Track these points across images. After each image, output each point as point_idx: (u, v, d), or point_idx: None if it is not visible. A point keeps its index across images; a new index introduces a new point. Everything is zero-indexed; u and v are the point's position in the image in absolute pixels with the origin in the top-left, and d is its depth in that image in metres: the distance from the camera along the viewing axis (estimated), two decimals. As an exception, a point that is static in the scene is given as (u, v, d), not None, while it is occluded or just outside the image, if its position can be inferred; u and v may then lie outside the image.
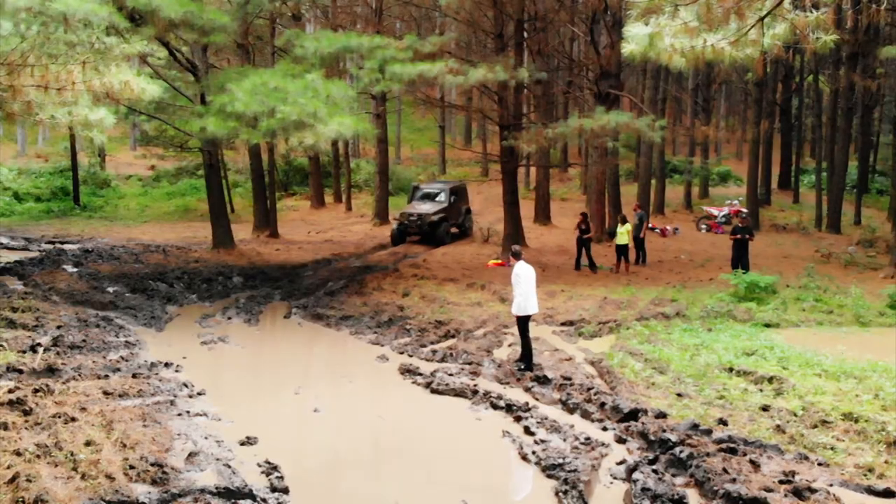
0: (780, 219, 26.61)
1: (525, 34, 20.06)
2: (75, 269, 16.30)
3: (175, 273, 16.00)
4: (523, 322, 9.17)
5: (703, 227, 24.72)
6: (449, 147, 37.36)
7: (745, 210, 23.28)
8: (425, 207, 20.77)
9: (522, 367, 9.07)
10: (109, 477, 5.64)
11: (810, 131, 37.23)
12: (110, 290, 14.38)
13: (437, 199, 21.45)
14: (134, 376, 8.53)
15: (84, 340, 10.11)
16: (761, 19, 6.03)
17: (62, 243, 21.31)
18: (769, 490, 5.40)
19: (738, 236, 16.14)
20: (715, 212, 25.32)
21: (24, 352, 9.40)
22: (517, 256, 9.28)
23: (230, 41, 17.56)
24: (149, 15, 12.19)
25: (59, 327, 10.84)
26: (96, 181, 33.30)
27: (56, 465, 5.84)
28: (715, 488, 5.42)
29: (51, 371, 8.58)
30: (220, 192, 20.36)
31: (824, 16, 6.32)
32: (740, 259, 16.01)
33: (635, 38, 6.64)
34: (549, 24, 21.10)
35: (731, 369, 8.84)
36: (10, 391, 7.52)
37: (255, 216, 24.34)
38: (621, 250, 17.23)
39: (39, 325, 10.98)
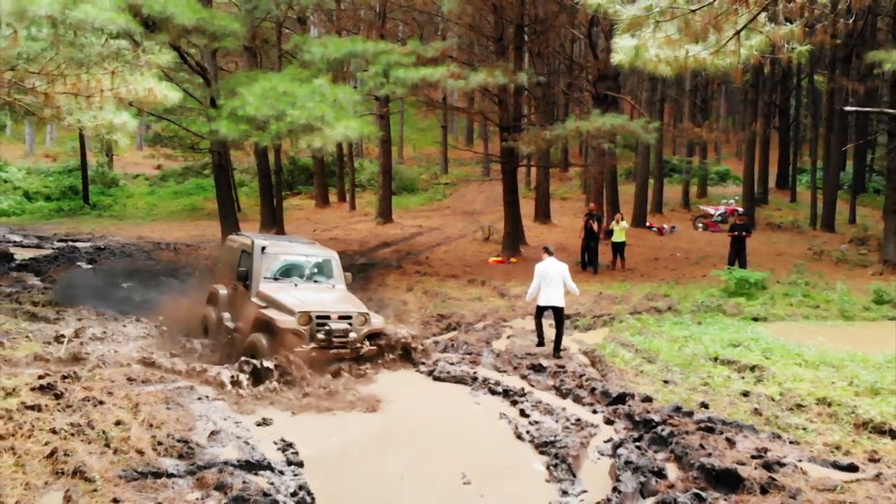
0: (776, 218, 27.10)
1: (525, 37, 20.57)
2: (89, 266, 16.88)
3: (186, 269, 16.55)
4: (536, 311, 10.41)
5: (700, 225, 25.24)
6: (451, 147, 37.96)
7: (741, 209, 23.79)
8: None
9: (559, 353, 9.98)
10: (140, 452, 6.15)
11: (808, 131, 37.69)
12: (124, 285, 14.94)
13: None
14: (155, 364, 9.06)
15: (104, 332, 10.65)
16: (737, 33, 6.55)
17: (74, 241, 21.89)
18: (741, 464, 5.90)
19: (736, 233, 16.69)
20: (711, 210, 25.85)
21: (49, 343, 9.94)
22: (546, 252, 10.49)
23: (239, 45, 18.11)
24: (163, 22, 12.73)
25: (79, 320, 11.40)
26: (104, 180, 33.97)
27: (90, 442, 6.34)
28: (692, 462, 5.92)
29: (76, 360, 9.10)
30: (229, 191, 20.91)
31: (797, 28, 6.84)
32: (738, 255, 16.57)
33: (623, 49, 7.17)
34: (549, 27, 21.61)
35: (716, 359, 9.37)
36: (41, 377, 8.03)
37: (261, 215, 24.88)
38: (617, 248, 17.76)
39: (60, 318, 11.53)
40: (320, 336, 8.59)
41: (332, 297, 9.50)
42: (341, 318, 8.86)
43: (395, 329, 9.60)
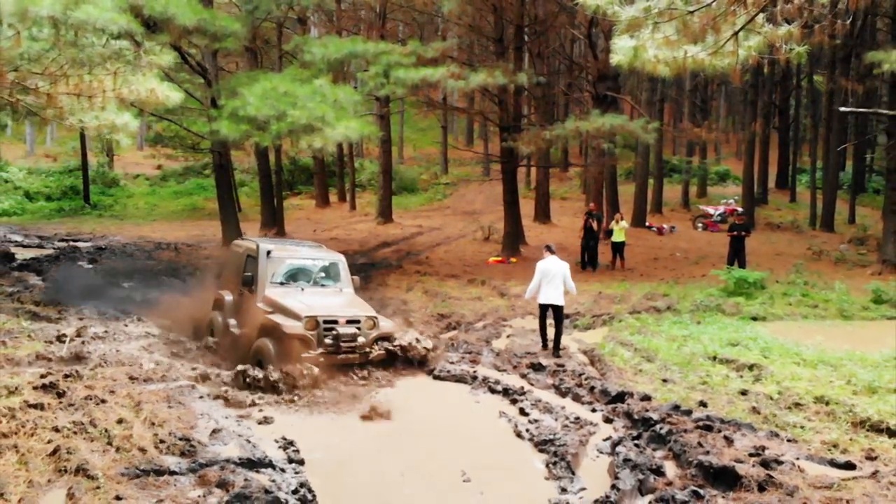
0: (776, 218, 27.16)
1: (525, 38, 20.62)
2: (91, 266, 16.92)
3: (187, 269, 16.60)
4: (540, 312, 10.39)
5: (700, 225, 25.30)
6: (451, 147, 38.03)
7: (740, 209, 23.84)
8: None
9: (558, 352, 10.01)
10: (142, 450, 6.19)
11: (808, 131, 37.74)
12: (126, 285, 14.98)
13: None
14: (156, 363, 9.11)
15: (106, 331, 10.70)
16: (735, 33, 6.60)
17: (75, 241, 21.94)
18: (739, 461, 5.94)
19: (735, 233, 16.75)
20: (711, 210, 25.91)
21: (51, 342, 9.98)
22: (548, 250, 10.61)
23: (239, 46, 18.18)
24: (164, 23, 12.78)
25: (80, 319, 11.44)
26: (105, 180, 34.06)
27: (92, 440, 6.38)
28: (690, 459, 5.97)
29: (77, 359, 9.14)
30: (230, 191, 20.97)
31: (795, 29, 6.88)
32: (737, 255, 16.62)
33: (622, 49, 7.21)
34: (548, 27, 21.66)
35: (715, 358, 9.41)
36: (43, 376, 8.07)
37: (262, 215, 24.95)
38: (617, 247, 17.81)
39: (62, 317, 11.58)
40: (328, 341, 8.38)
41: (339, 301, 9.30)
42: (349, 322, 8.64)
43: (413, 338, 9.25)
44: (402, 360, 8.98)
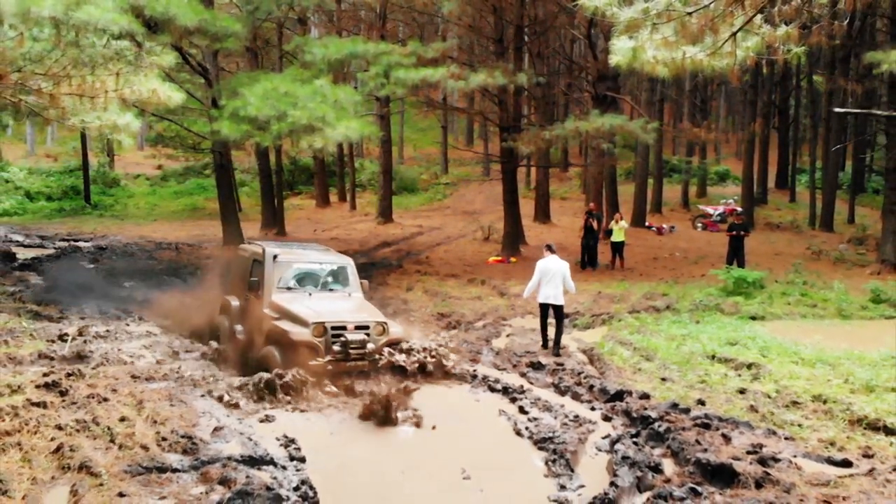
0: (775, 217, 27.21)
1: (525, 38, 20.67)
2: (92, 266, 16.97)
3: (188, 269, 16.65)
4: (541, 312, 10.44)
5: (699, 225, 25.35)
6: (451, 147, 38.07)
7: (739, 209, 23.90)
8: None
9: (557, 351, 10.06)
10: (144, 447, 6.24)
11: (807, 131, 37.78)
12: (127, 284, 15.05)
13: None
14: (157, 362, 9.16)
15: (108, 330, 10.76)
16: (733, 34, 6.65)
17: (76, 241, 22.00)
18: (737, 459, 5.98)
19: (734, 233, 16.81)
20: (710, 210, 25.96)
21: (53, 341, 10.04)
22: (549, 250, 10.73)
23: (240, 46, 18.24)
24: (165, 23, 12.83)
25: (82, 318, 11.50)
26: (105, 180, 34.10)
27: (95, 438, 6.43)
28: (688, 457, 6.02)
29: (80, 358, 9.19)
30: (230, 191, 21.02)
31: (793, 30, 6.94)
32: (736, 255, 16.68)
33: (620, 50, 7.26)
34: (548, 28, 21.71)
35: (713, 357, 9.45)
36: (45, 375, 8.13)
37: (262, 214, 25.01)
38: (616, 247, 17.86)
39: (63, 316, 11.64)
40: (336, 348, 8.16)
41: (348, 307, 9.02)
42: (358, 328, 8.40)
43: (442, 352, 8.91)
44: (434, 372, 8.74)
